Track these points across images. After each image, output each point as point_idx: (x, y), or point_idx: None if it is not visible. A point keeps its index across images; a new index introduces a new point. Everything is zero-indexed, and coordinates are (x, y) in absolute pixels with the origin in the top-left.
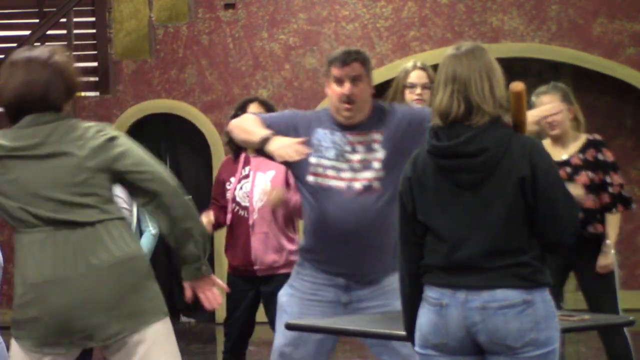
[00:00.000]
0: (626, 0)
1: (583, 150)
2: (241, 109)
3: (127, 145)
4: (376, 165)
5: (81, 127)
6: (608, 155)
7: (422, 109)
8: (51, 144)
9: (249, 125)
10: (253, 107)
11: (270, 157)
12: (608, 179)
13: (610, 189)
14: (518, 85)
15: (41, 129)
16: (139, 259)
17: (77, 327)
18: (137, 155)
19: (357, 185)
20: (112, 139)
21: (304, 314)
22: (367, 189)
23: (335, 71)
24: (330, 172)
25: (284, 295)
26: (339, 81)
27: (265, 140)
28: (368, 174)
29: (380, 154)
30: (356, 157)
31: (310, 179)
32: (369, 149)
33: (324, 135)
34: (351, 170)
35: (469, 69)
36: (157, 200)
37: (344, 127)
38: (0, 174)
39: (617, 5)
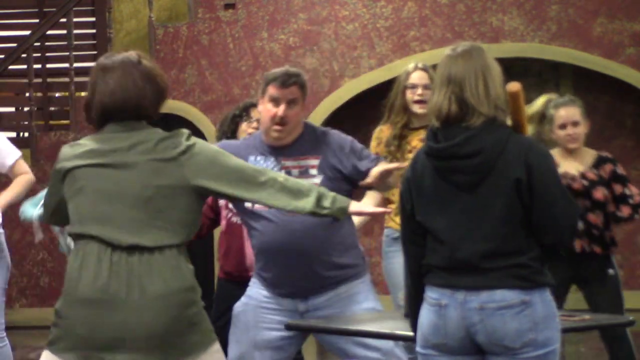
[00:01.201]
0: (626, 0)
1: (597, 165)
2: (245, 111)
3: (205, 154)
4: None
5: (154, 138)
6: (622, 170)
7: (371, 158)
8: (123, 152)
9: None
10: (256, 113)
11: None
12: (627, 191)
13: (631, 200)
14: (514, 86)
15: (118, 137)
16: (191, 291)
17: (122, 347)
18: (214, 163)
19: None
20: (185, 151)
21: (259, 322)
22: None
23: (273, 91)
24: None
25: (240, 306)
26: (275, 101)
27: None
28: None
29: (317, 179)
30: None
31: (248, 205)
32: (305, 173)
33: (256, 162)
34: None
35: (464, 69)
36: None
37: (277, 151)
38: (72, 183)
39: (617, 5)
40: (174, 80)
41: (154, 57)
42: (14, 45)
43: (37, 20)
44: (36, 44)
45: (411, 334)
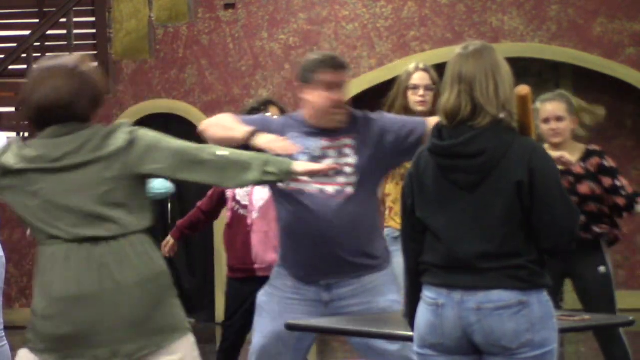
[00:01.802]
0: (626, 0)
1: (584, 159)
2: (264, 105)
3: (145, 142)
4: (348, 170)
5: (100, 134)
6: (611, 162)
7: (413, 122)
8: (73, 155)
9: (229, 122)
10: (274, 110)
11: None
12: (618, 183)
13: (623, 192)
14: (524, 89)
15: (64, 140)
16: (162, 276)
17: (101, 341)
18: (156, 148)
19: (330, 189)
20: (130, 141)
21: (283, 312)
22: (340, 193)
23: (329, 76)
24: (302, 177)
25: (264, 295)
26: (332, 86)
27: (252, 134)
28: (340, 179)
29: (351, 159)
30: (328, 162)
31: (281, 184)
32: (340, 153)
33: (297, 140)
34: (323, 175)
35: (474, 68)
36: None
37: (317, 132)
38: (22, 186)
39: (617, 5)
40: (174, 80)
41: (154, 57)
42: (14, 45)
43: (37, 20)
44: (36, 44)
45: (411, 333)
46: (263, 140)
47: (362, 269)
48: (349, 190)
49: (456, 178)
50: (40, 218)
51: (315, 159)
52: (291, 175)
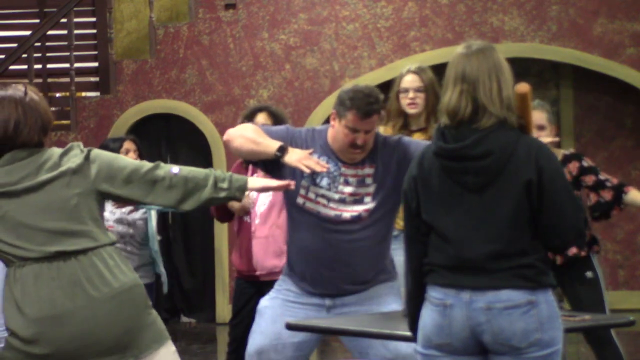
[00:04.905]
0: (626, 0)
1: (563, 164)
2: (248, 119)
3: (100, 160)
4: (367, 199)
5: (55, 154)
6: (590, 162)
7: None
8: (32, 176)
9: (255, 135)
10: (261, 117)
11: (262, 168)
12: (602, 177)
13: (609, 184)
14: (523, 87)
15: (21, 165)
16: (136, 288)
17: (80, 357)
18: (111, 167)
19: (346, 215)
20: (86, 159)
21: (285, 314)
22: (356, 219)
23: (354, 122)
24: (320, 200)
25: (266, 300)
26: (354, 130)
27: (283, 150)
28: (358, 207)
29: (371, 188)
30: (348, 189)
31: (299, 200)
32: (362, 183)
33: (320, 159)
34: (341, 202)
35: (478, 68)
36: (155, 186)
37: (339, 158)
38: None
39: (617, 5)
40: (175, 81)
41: (154, 57)
42: (15, 45)
43: (37, 21)
44: (37, 44)
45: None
46: (294, 157)
47: (368, 283)
48: (364, 216)
49: (464, 180)
50: (7, 241)
51: (337, 184)
52: (245, 191)
